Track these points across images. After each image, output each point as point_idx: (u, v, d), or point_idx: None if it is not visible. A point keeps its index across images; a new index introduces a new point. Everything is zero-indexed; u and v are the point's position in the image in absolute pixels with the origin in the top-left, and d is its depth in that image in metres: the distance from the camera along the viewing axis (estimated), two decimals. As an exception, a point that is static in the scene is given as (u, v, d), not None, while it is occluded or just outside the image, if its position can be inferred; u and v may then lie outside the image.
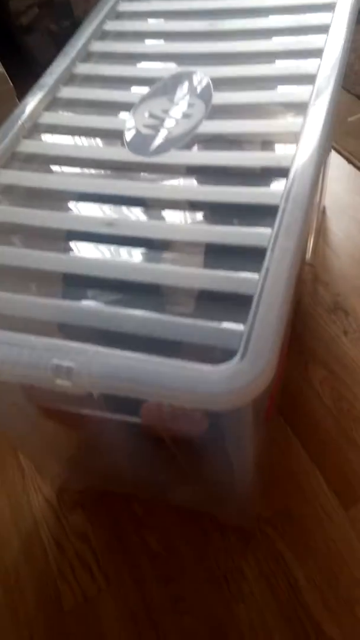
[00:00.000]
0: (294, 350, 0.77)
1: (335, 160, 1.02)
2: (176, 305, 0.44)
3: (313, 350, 0.78)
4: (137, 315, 0.40)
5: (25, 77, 1.29)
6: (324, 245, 0.92)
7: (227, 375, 0.33)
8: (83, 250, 0.48)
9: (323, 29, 0.60)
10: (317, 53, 0.57)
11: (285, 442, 0.69)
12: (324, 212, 0.96)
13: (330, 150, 0.95)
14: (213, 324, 0.38)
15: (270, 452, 0.68)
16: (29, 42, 1.34)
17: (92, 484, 0.68)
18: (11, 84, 1.09)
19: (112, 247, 0.47)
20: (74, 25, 1.36)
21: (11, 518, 0.67)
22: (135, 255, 0.47)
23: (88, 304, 0.43)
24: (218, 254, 0.45)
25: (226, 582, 0.60)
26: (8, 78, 1.08)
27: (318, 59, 0.56)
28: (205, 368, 0.34)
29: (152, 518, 0.65)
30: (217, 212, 0.48)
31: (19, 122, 0.57)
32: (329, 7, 0.62)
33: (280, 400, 0.70)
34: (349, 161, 1.02)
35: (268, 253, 0.41)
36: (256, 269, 0.41)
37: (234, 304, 0.41)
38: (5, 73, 1.08)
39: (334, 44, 0.57)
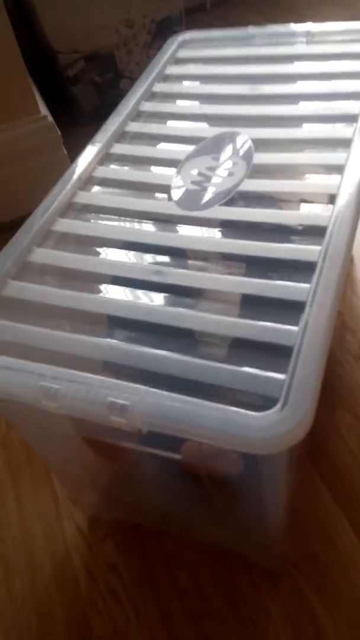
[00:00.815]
0: (321, 394, 0.79)
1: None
2: (211, 349, 0.47)
3: (340, 395, 0.80)
4: (184, 360, 0.43)
5: (70, 124, 1.38)
6: (351, 294, 0.95)
7: (270, 422, 0.36)
8: (129, 294, 0.52)
9: (358, 96, 0.64)
10: (353, 118, 0.61)
11: (311, 486, 0.71)
12: (352, 261, 1.00)
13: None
14: (255, 372, 0.41)
15: (297, 495, 0.69)
16: (74, 92, 1.43)
17: (123, 516, 0.70)
18: (59, 132, 1.16)
19: (157, 293, 0.51)
20: (117, 78, 1.45)
21: (45, 545, 0.70)
22: (177, 302, 0.50)
23: (133, 346, 0.46)
24: (255, 305, 0.48)
25: (253, 623, 0.61)
26: (56, 126, 1.16)
27: (354, 124, 0.61)
28: (250, 414, 0.37)
29: (182, 554, 0.67)
30: (257, 265, 0.52)
31: (75, 176, 0.62)
32: (364, 76, 0.67)
33: (310, 441, 0.72)
34: (378, 212, 1.06)
35: (307, 307, 0.44)
36: (291, 321, 0.44)
37: (269, 352, 0.44)
38: (54, 122, 1.15)
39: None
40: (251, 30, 0.77)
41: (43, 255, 0.55)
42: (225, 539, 0.65)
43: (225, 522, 0.59)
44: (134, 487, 0.64)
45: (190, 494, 0.58)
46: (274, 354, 0.43)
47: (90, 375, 0.42)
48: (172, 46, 0.80)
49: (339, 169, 0.56)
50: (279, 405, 0.38)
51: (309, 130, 0.63)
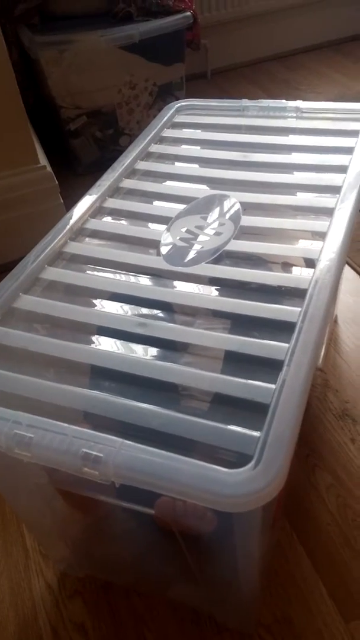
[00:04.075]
0: (301, 453, 0.79)
1: (348, 273, 1.09)
2: (192, 404, 0.48)
3: (320, 455, 0.80)
4: (162, 413, 0.44)
5: (68, 175, 1.43)
6: (335, 353, 0.96)
7: (242, 480, 0.36)
8: (113, 345, 0.52)
9: (342, 169, 0.68)
10: (336, 190, 0.65)
11: (289, 547, 0.69)
12: (335, 321, 1.02)
13: (344, 267, 1.02)
14: (231, 428, 0.42)
15: (273, 555, 0.68)
16: (75, 145, 1.48)
17: (94, 573, 0.68)
18: (56, 181, 1.20)
19: (140, 346, 0.52)
20: (117, 134, 1.51)
21: (11, 600, 0.67)
22: (160, 355, 0.51)
23: (114, 397, 0.46)
24: (237, 361, 0.49)
25: None
26: (54, 176, 1.20)
27: (337, 195, 0.64)
28: (223, 471, 0.37)
29: (152, 614, 0.65)
30: (239, 322, 0.53)
31: (67, 226, 0.64)
32: (349, 151, 0.71)
33: (287, 503, 0.71)
34: (362, 276, 1.09)
35: (284, 366, 0.45)
36: (269, 379, 0.45)
37: (248, 409, 0.44)
38: (52, 172, 1.19)
39: (352, 184, 0.65)
40: (245, 102, 0.82)
41: (29, 302, 0.56)
42: (197, 599, 0.63)
43: (198, 580, 0.57)
44: (106, 542, 0.63)
45: (163, 551, 0.57)
46: (252, 410, 0.44)
47: (66, 425, 0.42)
48: (169, 111, 0.85)
49: (321, 236, 0.58)
50: (252, 463, 0.38)
51: (294, 198, 0.66)
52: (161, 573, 0.62)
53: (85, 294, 0.58)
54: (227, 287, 0.56)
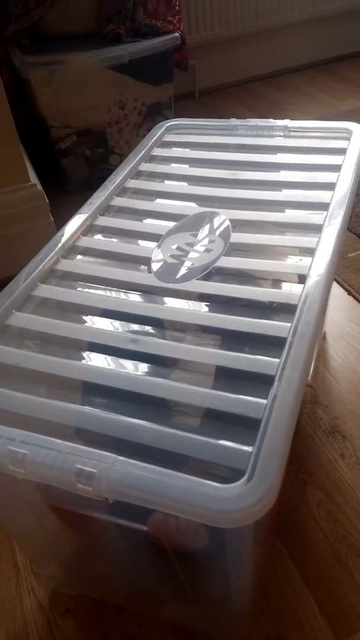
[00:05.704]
0: (291, 469, 0.79)
1: (336, 291, 1.11)
2: (183, 419, 0.48)
3: (311, 471, 0.80)
4: (154, 429, 0.44)
5: (59, 193, 1.43)
6: (324, 369, 0.97)
7: (235, 495, 0.37)
8: (104, 361, 0.53)
9: (330, 187, 0.69)
10: (324, 206, 0.66)
11: (280, 564, 0.69)
12: (324, 337, 1.03)
13: (332, 283, 1.03)
14: (223, 444, 0.42)
15: (265, 572, 0.68)
16: (65, 164, 1.50)
17: (85, 591, 0.67)
18: (46, 199, 1.21)
19: (132, 362, 0.52)
20: (107, 153, 1.53)
21: (1, 619, 0.66)
22: (152, 371, 0.51)
23: (106, 413, 0.46)
24: (228, 376, 0.50)
25: None
26: (44, 194, 1.21)
27: (325, 211, 0.65)
28: (216, 486, 0.37)
29: (143, 633, 0.64)
30: (230, 338, 0.53)
31: (59, 244, 0.65)
32: (336, 168, 0.72)
33: (278, 519, 0.71)
34: (349, 293, 1.11)
35: (275, 381, 0.45)
36: (261, 394, 0.45)
37: (239, 424, 0.45)
38: (42, 190, 1.20)
39: (340, 201, 0.66)
40: (234, 121, 0.83)
41: (22, 319, 0.56)
42: (189, 617, 0.63)
43: (190, 598, 0.57)
44: (99, 560, 0.62)
45: (156, 569, 0.56)
46: (244, 425, 0.44)
47: (60, 441, 0.42)
48: (159, 130, 0.86)
49: (310, 252, 0.59)
50: (244, 478, 0.38)
51: (283, 215, 0.67)
52: (153, 592, 0.61)
53: (78, 311, 0.58)
54: (218, 303, 0.57)
